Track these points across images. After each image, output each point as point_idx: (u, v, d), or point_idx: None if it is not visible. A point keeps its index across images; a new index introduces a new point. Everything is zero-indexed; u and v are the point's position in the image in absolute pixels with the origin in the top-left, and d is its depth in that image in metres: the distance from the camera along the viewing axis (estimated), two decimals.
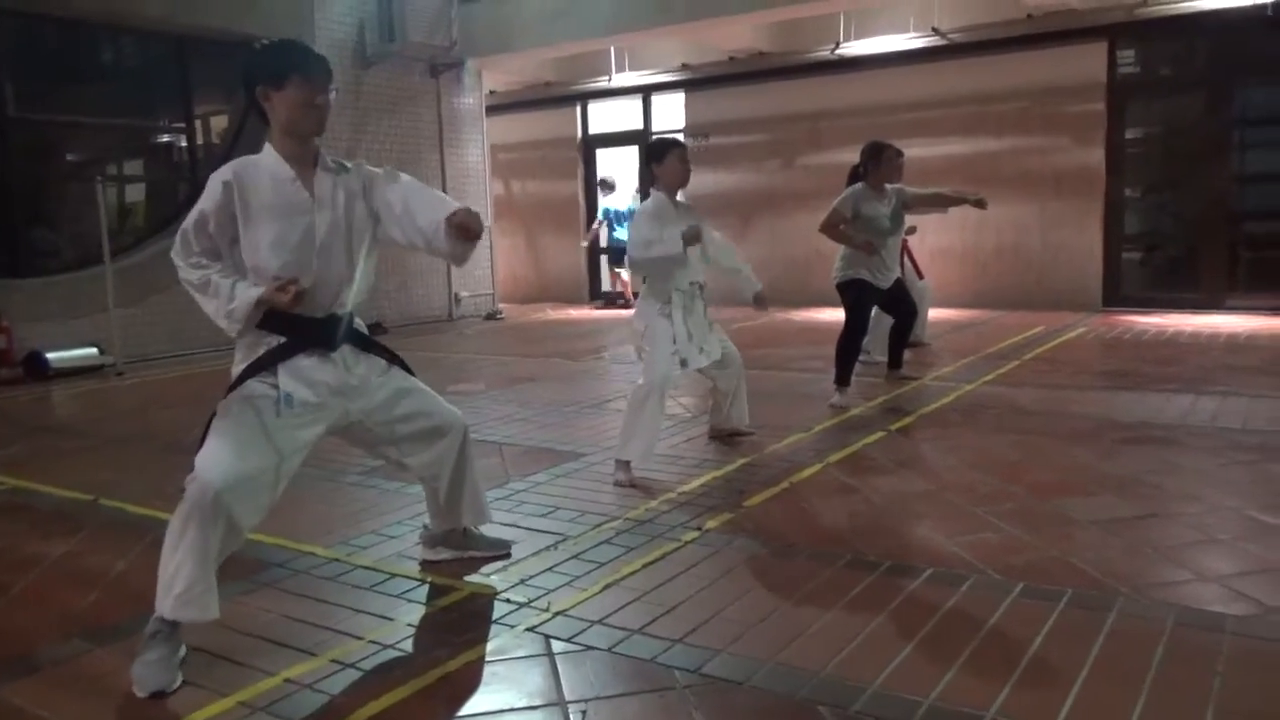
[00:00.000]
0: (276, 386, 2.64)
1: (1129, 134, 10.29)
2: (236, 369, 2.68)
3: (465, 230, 2.65)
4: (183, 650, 2.56)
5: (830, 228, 5.92)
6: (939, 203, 6.66)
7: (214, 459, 2.50)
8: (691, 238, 4.27)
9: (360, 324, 2.89)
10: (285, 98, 2.62)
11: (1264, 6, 8.99)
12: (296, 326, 2.67)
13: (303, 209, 2.65)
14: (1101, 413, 5.35)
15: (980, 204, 6.09)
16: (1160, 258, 10.72)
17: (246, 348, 2.69)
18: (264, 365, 2.64)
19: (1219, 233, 9.85)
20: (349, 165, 2.83)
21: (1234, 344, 7.69)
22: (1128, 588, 2.88)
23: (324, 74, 2.68)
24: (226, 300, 2.59)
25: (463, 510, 3.19)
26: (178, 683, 2.46)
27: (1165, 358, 7.14)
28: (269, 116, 2.67)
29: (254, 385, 2.63)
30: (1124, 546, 3.24)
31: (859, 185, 5.97)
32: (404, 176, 2.85)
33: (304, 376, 2.66)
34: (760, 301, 4.75)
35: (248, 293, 2.58)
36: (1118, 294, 10.32)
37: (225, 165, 2.67)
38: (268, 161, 2.66)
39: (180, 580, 2.46)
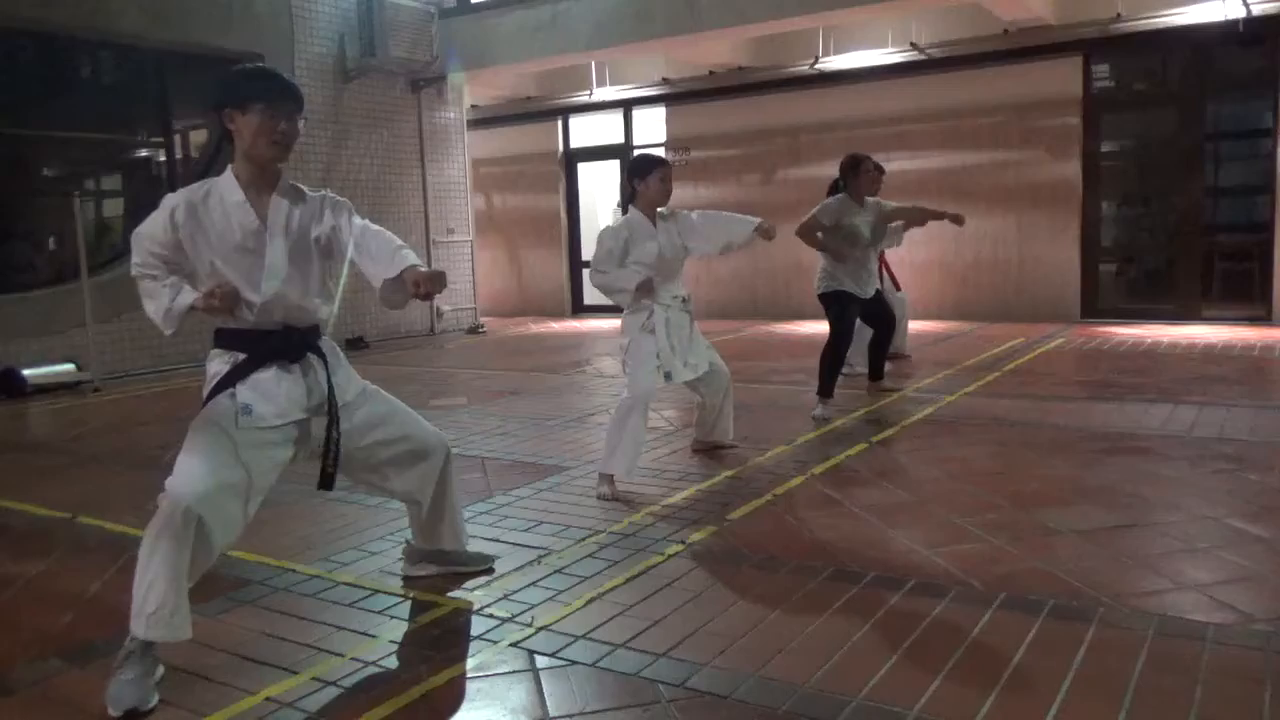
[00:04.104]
0: (235, 399, 2.65)
1: (1104, 147, 10.42)
2: (205, 390, 2.70)
3: (423, 293, 2.60)
4: (160, 669, 2.53)
5: (807, 232, 5.96)
6: (916, 217, 6.72)
7: (184, 475, 2.50)
8: (645, 290, 4.31)
9: (332, 344, 2.88)
10: (248, 123, 2.63)
11: (1235, 22, 9.14)
12: (251, 341, 2.69)
13: (250, 232, 2.65)
14: (1081, 423, 5.39)
15: (958, 220, 6.17)
16: (1136, 270, 10.84)
17: (212, 368, 2.71)
18: (226, 384, 2.66)
19: (1194, 245, 9.97)
20: (309, 193, 2.82)
21: (1210, 354, 7.78)
22: (1109, 597, 2.90)
23: (290, 102, 2.68)
24: (166, 304, 2.64)
25: (443, 533, 3.20)
26: (153, 702, 2.43)
27: (1143, 368, 7.20)
28: (234, 139, 2.69)
29: (219, 401, 2.65)
30: (1105, 556, 3.26)
31: (840, 196, 6.02)
32: (358, 220, 2.81)
33: (262, 390, 2.66)
34: (764, 231, 4.38)
35: (183, 298, 2.62)
36: (1095, 306, 10.42)
37: (179, 191, 2.69)
38: (223, 185, 2.68)
39: (152, 600, 2.44)
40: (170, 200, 2.65)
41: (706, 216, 4.57)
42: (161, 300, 2.64)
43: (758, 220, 4.41)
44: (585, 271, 13.63)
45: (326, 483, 2.81)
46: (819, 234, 5.93)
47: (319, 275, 2.81)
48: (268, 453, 2.67)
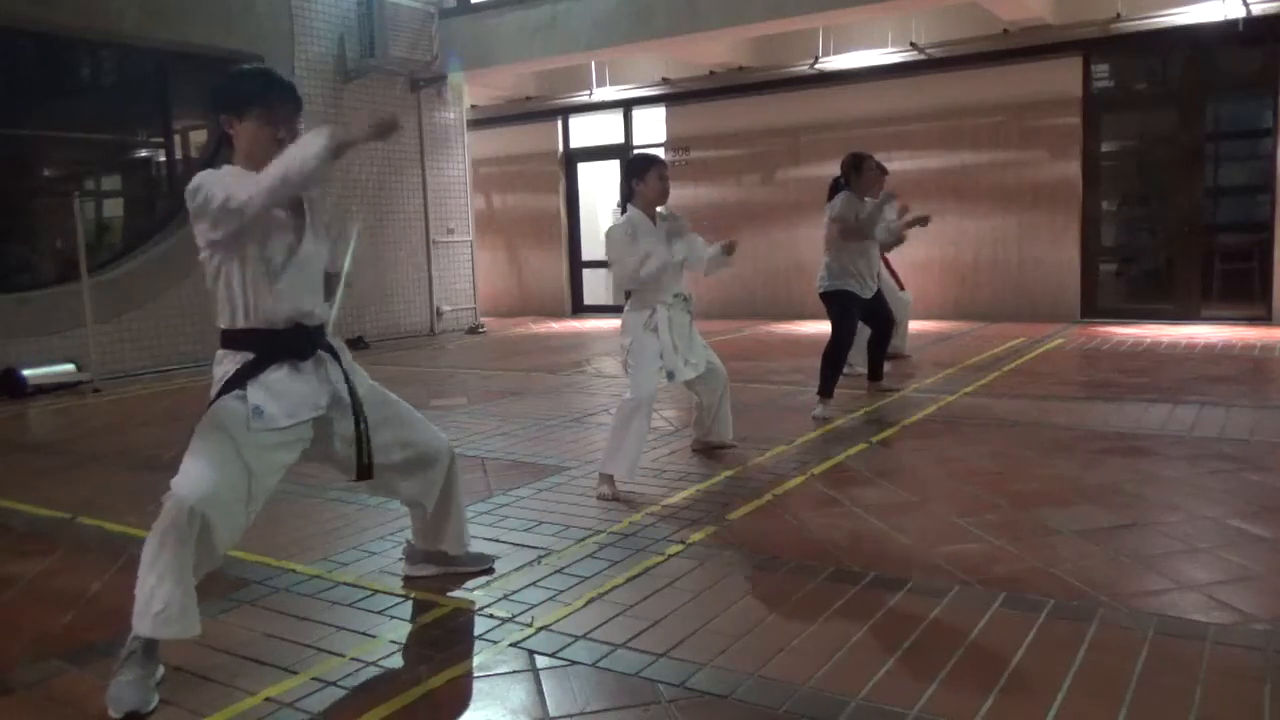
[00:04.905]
0: (246, 400, 2.62)
1: (1104, 147, 10.42)
2: (212, 391, 2.67)
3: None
4: (160, 670, 2.53)
5: (845, 230, 5.89)
6: (897, 230, 6.62)
7: (190, 476, 2.50)
8: (677, 231, 4.36)
9: (339, 345, 2.88)
10: (247, 128, 2.62)
11: (1235, 22, 9.14)
12: (261, 340, 2.67)
13: (288, 227, 2.65)
14: (1081, 423, 5.39)
15: (923, 221, 6.17)
16: (1136, 270, 10.84)
17: (220, 369, 2.69)
18: (235, 384, 2.63)
19: (1194, 245, 9.97)
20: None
21: (1210, 354, 7.78)
22: (1109, 597, 2.90)
23: (289, 105, 2.66)
24: (300, 147, 2.44)
25: (446, 535, 3.20)
26: (153, 703, 2.43)
27: (1143, 368, 7.20)
28: (234, 143, 2.67)
29: (226, 402, 2.62)
30: (1105, 556, 3.26)
31: (846, 193, 6.01)
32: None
33: (273, 389, 2.65)
34: (729, 248, 4.56)
35: (319, 137, 2.42)
36: (1095, 306, 10.42)
37: (200, 173, 2.60)
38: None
39: (159, 599, 2.44)
40: (208, 171, 2.56)
41: (694, 239, 4.56)
42: (297, 150, 2.42)
43: (718, 246, 4.56)
44: (585, 272, 13.78)
45: (365, 473, 2.82)
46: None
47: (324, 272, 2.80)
48: (274, 455, 2.66)
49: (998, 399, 6.19)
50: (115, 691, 2.41)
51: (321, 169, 2.43)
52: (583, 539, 3.65)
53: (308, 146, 2.42)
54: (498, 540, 3.65)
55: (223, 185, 2.48)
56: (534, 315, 13.93)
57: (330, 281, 2.85)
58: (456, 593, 3.15)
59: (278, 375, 2.67)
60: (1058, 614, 2.79)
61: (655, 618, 2.88)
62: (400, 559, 3.36)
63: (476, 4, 11.66)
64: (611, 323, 11.96)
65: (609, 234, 4.45)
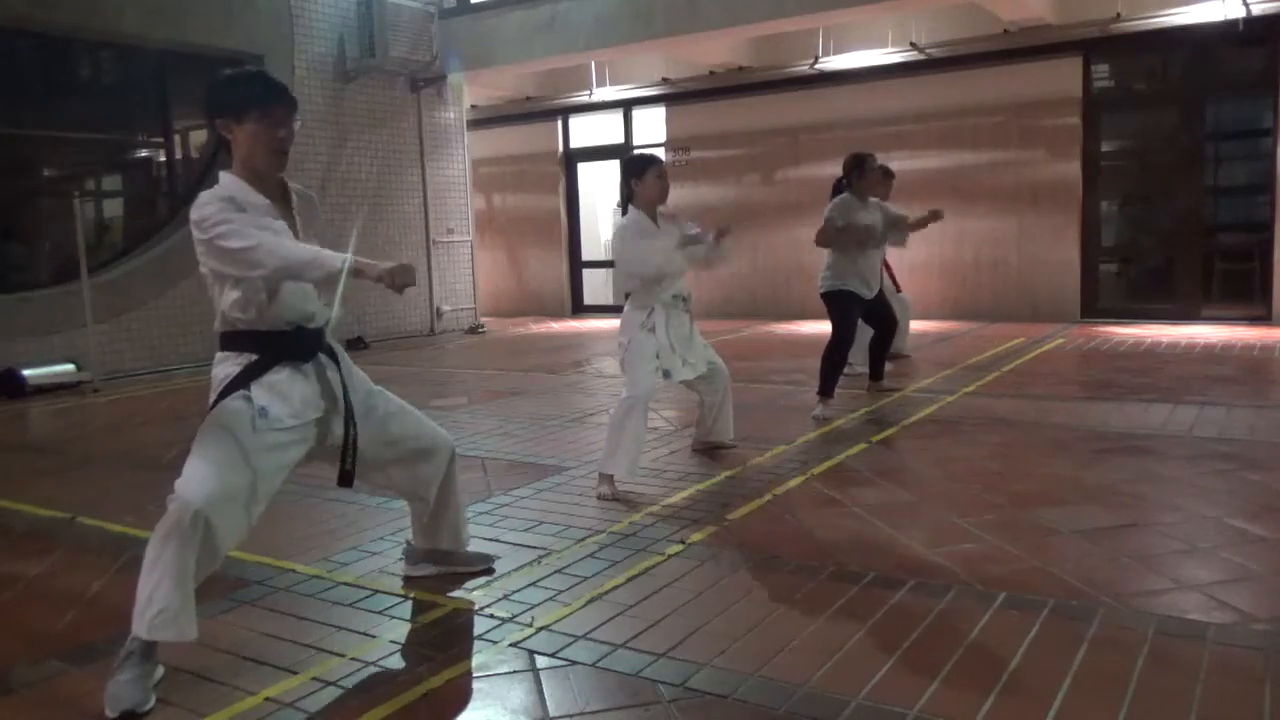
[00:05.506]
0: (252, 401, 2.62)
1: (1105, 147, 10.42)
2: (214, 394, 2.66)
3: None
4: (160, 671, 2.53)
5: (828, 237, 5.86)
6: (903, 228, 6.51)
7: (193, 478, 2.49)
8: (686, 242, 4.34)
9: (338, 346, 2.88)
10: (245, 131, 2.62)
11: (1235, 22, 9.14)
12: (264, 342, 2.67)
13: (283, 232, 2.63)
14: (1081, 423, 5.39)
15: (937, 215, 6.06)
16: (1136, 270, 10.84)
17: (220, 371, 2.68)
18: (238, 385, 2.63)
19: (1194, 245, 9.97)
20: (308, 194, 2.82)
21: (1210, 354, 7.78)
22: (1109, 597, 2.90)
23: (285, 107, 2.65)
24: (314, 251, 2.50)
25: (443, 532, 3.21)
26: (150, 703, 2.43)
27: (1143, 368, 7.20)
28: (231, 148, 2.67)
29: (230, 403, 2.61)
30: (1105, 556, 3.26)
31: (846, 195, 6.01)
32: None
33: (277, 391, 2.65)
34: (721, 233, 4.44)
35: (334, 258, 2.46)
36: (1095, 305, 10.42)
37: (209, 192, 2.60)
38: (239, 193, 2.61)
39: (158, 600, 2.44)
40: (212, 194, 2.57)
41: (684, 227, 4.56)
42: (301, 247, 2.49)
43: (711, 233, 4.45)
44: (585, 272, 13.78)
45: (346, 480, 2.81)
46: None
47: None
48: (278, 455, 2.65)
49: (998, 399, 6.19)
50: (113, 690, 2.42)
51: (331, 282, 2.53)
52: (583, 539, 3.65)
53: (331, 261, 2.46)
54: (498, 540, 3.65)
55: (237, 231, 2.49)
56: (534, 315, 13.93)
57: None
58: (456, 593, 3.15)
59: (281, 376, 2.67)
60: (1057, 613, 2.79)
61: (655, 618, 2.88)
62: (400, 559, 3.36)
63: (476, 4, 11.67)
64: (611, 323, 11.95)
65: (620, 231, 4.42)
